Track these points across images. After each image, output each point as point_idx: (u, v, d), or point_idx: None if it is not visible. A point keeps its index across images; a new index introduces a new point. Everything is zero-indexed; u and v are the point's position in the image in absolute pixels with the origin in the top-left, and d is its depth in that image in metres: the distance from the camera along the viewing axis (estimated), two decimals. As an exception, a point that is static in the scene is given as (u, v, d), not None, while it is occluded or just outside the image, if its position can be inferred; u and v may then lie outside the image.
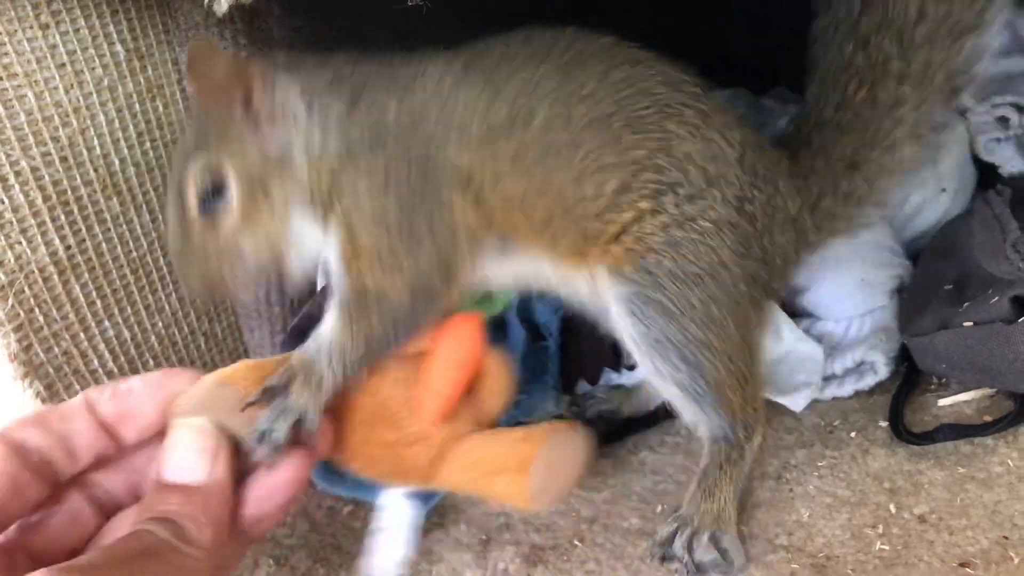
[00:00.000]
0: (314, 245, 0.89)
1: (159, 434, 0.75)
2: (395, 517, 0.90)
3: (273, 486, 0.76)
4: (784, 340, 1.19)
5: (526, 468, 0.82)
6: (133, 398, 0.75)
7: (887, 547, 0.92)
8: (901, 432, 1.06)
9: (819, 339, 1.21)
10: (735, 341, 0.91)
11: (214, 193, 0.84)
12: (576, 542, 0.99)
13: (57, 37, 0.96)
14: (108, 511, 0.77)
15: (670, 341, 0.90)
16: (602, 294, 0.94)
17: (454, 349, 0.88)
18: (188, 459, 0.71)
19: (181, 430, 0.73)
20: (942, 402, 1.12)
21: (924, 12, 0.89)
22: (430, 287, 0.87)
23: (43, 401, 0.96)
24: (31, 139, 0.94)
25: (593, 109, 0.89)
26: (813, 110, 1.01)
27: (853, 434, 1.10)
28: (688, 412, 0.96)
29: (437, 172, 0.86)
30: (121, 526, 0.74)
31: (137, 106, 1.08)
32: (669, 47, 2.52)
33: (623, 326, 0.93)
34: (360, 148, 0.85)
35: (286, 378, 0.81)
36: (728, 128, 0.94)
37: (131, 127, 1.07)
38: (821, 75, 1.01)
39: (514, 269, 0.95)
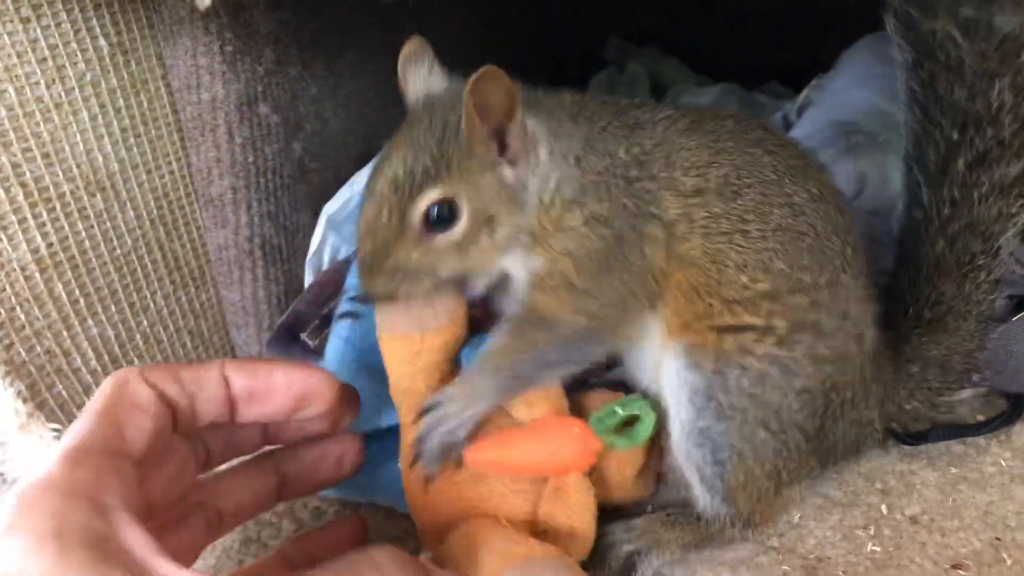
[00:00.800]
0: (509, 265, 0.90)
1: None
2: None
3: None
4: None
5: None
6: (271, 384, 0.79)
7: (879, 548, 0.91)
8: (895, 432, 1.05)
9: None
10: (765, 467, 0.91)
11: (442, 221, 0.84)
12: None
13: (38, 31, 0.95)
14: (204, 464, 0.84)
15: (711, 437, 0.90)
16: (667, 370, 0.93)
17: (562, 441, 0.90)
18: None
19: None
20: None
21: (1003, 212, 0.96)
22: (602, 326, 0.89)
23: (24, 401, 0.95)
24: (12, 135, 0.93)
25: (792, 219, 0.90)
26: (911, 306, 1.05)
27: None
28: (696, 494, 0.95)
29: (648, 217, 0.88)
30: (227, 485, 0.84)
31: (121, 102, 1.06)
32: (662, 41, 2.51)
33: (675, 406, 0.92)
34: (588, 194, 0.87)
35: (441, 396, 0.87)
36: (871, 315, 0.95)
37: (115, 123, 1.06)
38: (913, 271, 1.05)
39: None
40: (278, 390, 0.79)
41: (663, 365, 0.93)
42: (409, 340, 0.89)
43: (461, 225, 0.84)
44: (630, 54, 2.43)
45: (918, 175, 1.02)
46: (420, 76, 0.90)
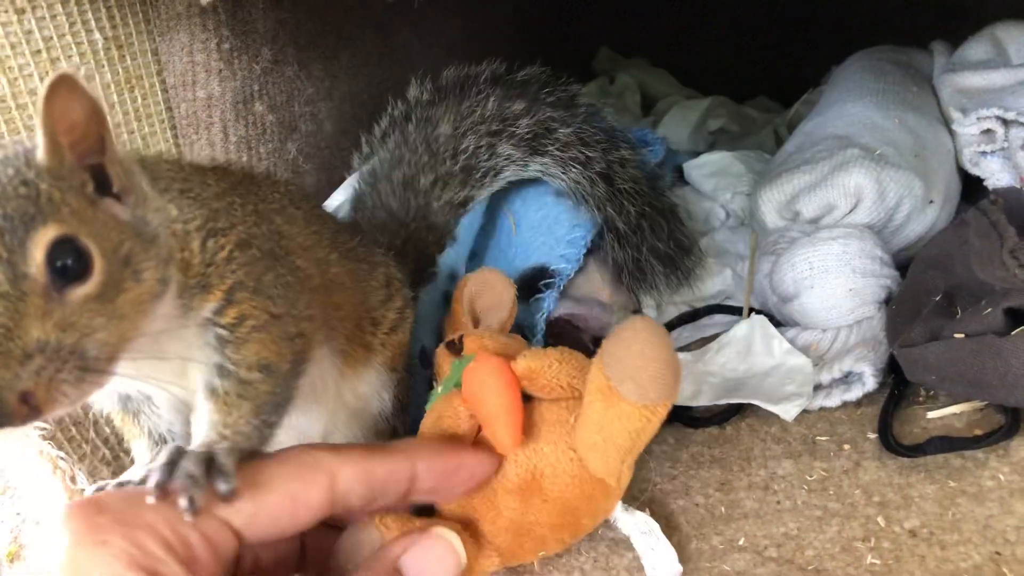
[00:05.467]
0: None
1: None
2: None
3: None
4: (774, 354, 1.22)
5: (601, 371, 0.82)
6: (455, 480, 0.84)
7: (878, 561, 0.90)
8: (891, 444, 1.05)
9: (806, 349, 1.21)
10: None
11: (71, 269, 0.62)
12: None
13: (33, 23, 0.93)
14: None
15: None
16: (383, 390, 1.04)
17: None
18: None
19: (441, 541, 0.80)
20: (931, 415, 1.10)
21: None
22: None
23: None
24: (3, 127, 0.91)
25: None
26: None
27: (846, 446, 1.08)
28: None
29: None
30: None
31: (115, 96, 1.05)
32: (653, 55, 2.51)
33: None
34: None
35: None
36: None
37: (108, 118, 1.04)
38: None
39: None
40: (459, 483, 0.84)
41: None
42: None
43: (97, 269, 0.63)
44: (619, 65, 2.43)
45: None
46: None
